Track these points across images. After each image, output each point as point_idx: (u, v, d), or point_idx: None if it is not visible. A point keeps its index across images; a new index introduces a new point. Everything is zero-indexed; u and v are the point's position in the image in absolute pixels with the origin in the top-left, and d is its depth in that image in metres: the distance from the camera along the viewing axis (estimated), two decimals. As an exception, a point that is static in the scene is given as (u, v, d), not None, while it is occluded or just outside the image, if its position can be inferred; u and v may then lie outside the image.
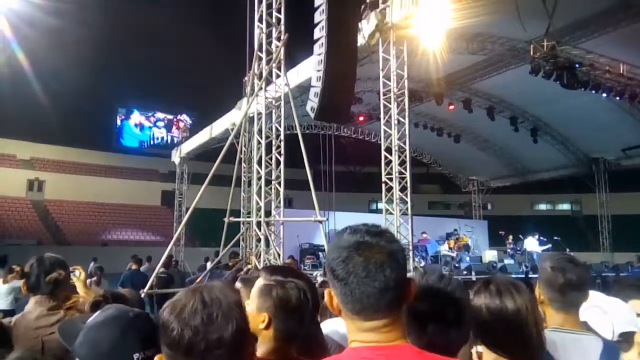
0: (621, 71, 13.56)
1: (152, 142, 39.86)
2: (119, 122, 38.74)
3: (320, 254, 14.91)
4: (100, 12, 30.37)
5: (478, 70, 15.18)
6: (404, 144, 10.62)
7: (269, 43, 9.84)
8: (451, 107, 17.37)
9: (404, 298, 1.11)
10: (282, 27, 9.67)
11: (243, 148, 11.65)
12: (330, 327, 2.11)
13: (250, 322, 1.39)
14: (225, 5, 30.20)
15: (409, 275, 1.18)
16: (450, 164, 25.71)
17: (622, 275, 12.10)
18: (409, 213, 10.53)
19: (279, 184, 9.88)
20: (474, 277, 12.25)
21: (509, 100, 17.87)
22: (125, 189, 33.53)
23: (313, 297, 1.47)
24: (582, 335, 1.70)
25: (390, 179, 10.57)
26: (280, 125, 9.98)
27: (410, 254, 10.57)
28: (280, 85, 9.98)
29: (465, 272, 13.23)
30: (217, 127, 18.48)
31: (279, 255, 9.43)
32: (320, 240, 13.54)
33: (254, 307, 1.45)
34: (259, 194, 9.74)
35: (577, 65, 12.72)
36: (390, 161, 10.60)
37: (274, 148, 9.93)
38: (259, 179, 9.75)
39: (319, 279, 5.90)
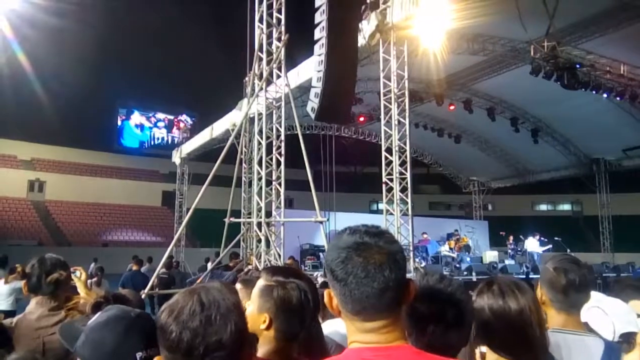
0: (622, 72, 13.54)
1: (152, 143, 39.89)
2: (119, 123, 38.78)
3: (321, 254, 14.90)
4: (101, 12, 30.42)
5: (479, 71, 15.17)
6: (405, 144, 10.62)
7: (270, 43, 9.86)
8: (452, 107, 17.36)
9: (403, 299, 1.11)
10: (283, 28, 9.69)
11: (244, 148, 11.66)
12: (331, 327, 2.11)
13: (251, 322, 1.39)
14: (225, 5, 30.25)
15: (409, 276, 1.18)
16: (450, 164, 25.71)
17: (622, 275, 12.09)
18: (409, 213, 10.53)
19: (280, 184, 9.89)
20: (474, 278, 12.24)
21: (510, 100, 17.87)
22: (126, 190, 33.56)
23: (314, 297, 1.47)
24: (584, 336, 1.70)
25: (391, 180, 10.57)
26: (280, 126, 9.99)
27: (411, 254, 10.57)
28: (280, 86, 9.99)
29: (465, 273, 13.22)
30: (218, 128, 18.48)
31: (279, 255, 9.43)
32: (321, 240, 13.55)
33: (255, 307, 1.45)
34: (259, 195, 9.75)
35: (577, 66, 12.70)
36: (391, 162, 10.60)
37: (274, 148, 9.94)
38: (260, 179, 9.76)
39: (320, 280, 5.90)
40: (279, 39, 9.76)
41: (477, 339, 1.43)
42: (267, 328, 1.41)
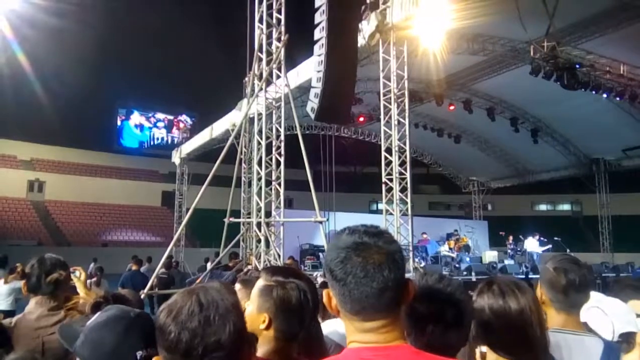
0: (621, 72, 13.55)
1: (152, 143, 39.89)
2: (119, 123, 38.77)
3: (321, 254, 14.90)
4: (100, 12, 30.42)
5: (478, 71, 15.18)
6: (404, 144, 10.62)
7: (269, 44, 9.86)
8: (451, 107, 17.37)
9: (402, 299, 1.11)
10: (282, 28, 9.69)
11: (243, 149, 11.67)
12: (331, 327, 2.11)
13: (250, 322, 1.39)
14: (225, 6, 30.25)
15: (408, 276, 1.18)
16: (450, 164, 25.72)
17: (622, 275, 12.09)
18: (409, 213, 10.54)
19: (279, 184, 9.89)
20: (474, 278, 12.25)
21: (510, 101, 17.88)
22: (126, 190, 33.56)
23: (313, 297, 1.47)
24: (583, 336, 1.70)
25: (391, 180, 10.57)
26: (280, 126, 9.99)
27: (411, 254, 10.58)
28: (280, 86, 9.99)
29: (465, 273, 13.23)
30: (218, 128, 18.49)
31: (279, 255, 9.44)
32: (321, 240, 13.55)
33: (255, 307, 1.45)
34: (259, 195, 9.75)
35: (577, 66, 12.71)
36: (391, 162, 10.60)
37: (274, 149, 9.94)
38: (259, 179, 9.76)
39: (319, 280, 5.89)
40: (278, 39, 9.76)
41: (478, 338, 1.43)
42: (267, 328, 1.41)
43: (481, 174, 25.71)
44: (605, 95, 14.38)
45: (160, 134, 40.45)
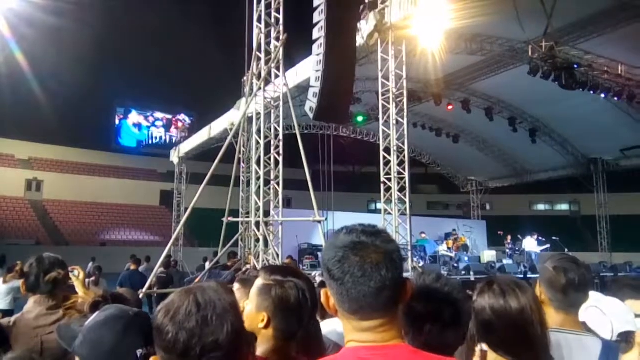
0: (619, 72, 13.57)
1: (150, 142, 39.84)
2: (117, 122, 38.73)
3: (319, 254, 14.89)
4: (99, 12, 30.38)
5: (477, 71, 15.19)
6: (403, 144, 10.63)
7: (268, 43, 9.86)
8: (450, 107, 17.38)
9: (400, 298, 1.11)
10: (281, 27, 9.69)
11: (242, 148, 11.66)
12: (330, 326, 2.12)
13: (249, 321, 1.39)
14: (224, 5, 30.22)
15: (407, 275, 1.18)
16: (448, 164, 25.73)
17: (620, 275, 12.11)
18: (407, 213, 10.54)
19: (278, 184, 9.88)
20: (472, 278, 12.26)
21: (508, 100, 17.89)
22: (124, 189, 33.51)
23: (312, 296, 1.48)
24: (582, 335, 1.71)
25: (389, 179, 10.58)
26: (279, 126, 9.99)
27: (409, 254, 10.58)
28: (279, 86, 9.99)
29: (463, 273, 13.24)
30: (216, 127, 18.48)
31: (277, 255, 9.44)
32: (319, 240, 13.56)
33: (253, 306, 1.46)
34: (257, 194, 9.75)
35: (575, 66, 12.72)
36: (389, 161, 10.61)
37: (272, 148, 9.94)
38: (258, 179, 9.76)
39: (318, 279, 5.90)
40: (277, 39, 9.75)
41: (478, 338, 1.43)
42: (266, 327, 1.42)
43: (479, 173, 25.73)
44: (603, 95, 14.39)
45: (158, 133, 40.41)
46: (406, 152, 10.61)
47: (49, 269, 2.31)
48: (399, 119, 10.71)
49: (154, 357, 1.13)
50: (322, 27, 8.55)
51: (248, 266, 9.56)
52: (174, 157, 23.01)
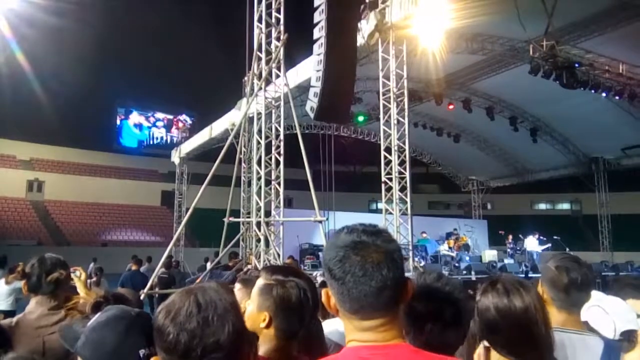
0: (620, 71, 13.56)
1: (151, 142, 39.88)
2: (118, 122, 38.76)
3: (320, 254, 14.88)
4: (100, 12, 30.40)
5: (477, 70, 15.18)
6: (404, 143, 10.63)
7: (269, 43, 9.85)
8: (451, 107, 17.37)
9: (401, 297, 1.11)
10: (282, 27, 9.69)
11: (243, 148, 11.66)
12: (331, 326, 2.12)
13: (251, 321, 1.40)
14: (225, 5, 30.23)
15: (408, 275, 1.18)
16: (449, 163, 25.72)
17: (621, 274, 12.10)
18: (408, 213, 10.54)
19: (279, 184, 9.89)
20: (473, 277, 12.26)
21: (509, 100, 17.88)
22: (125, 189, 33.54)
23: (313, 295, 1.48)
24: (585, 335, 1.71)
25: (390, 179, 10.58)
26: (279, 125, 9.99)
27: (410, 254, 10.58)
28: (279, 85, 9.99)
29: (465, 272, 13.24)
30: (217, 127, 18.48)
31: (278, 255, 9.44)
32: (320, 240, 13.54)
33: (255, 306, 1.46)
34: (258, 194, 9.75)
35: (576, 65, 12.71)
36: (390, 161, 10.61)
37: (273, 148, 9.94)
38: (259, 179, 9.76)
39: (319, 279, 5.90)
40: (278, 39, 9.75)
41: (481, 337, 1.42)
42: (267, 326, 1.42)
43: (480, 173, 25.72)
44: (604, 94, 14.37)
45: (159, 133, 40.44)
46: (407, 152, 10.60)
47: (50, 270, 2.31)
48: (400, 119, 10.71)
49: (154, 357, 1.13)
50: (322, 27, 8.55)
51: (249, 266, 9.56)
52: (175, 158, 23.02)
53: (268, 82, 9.97)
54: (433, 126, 19.76)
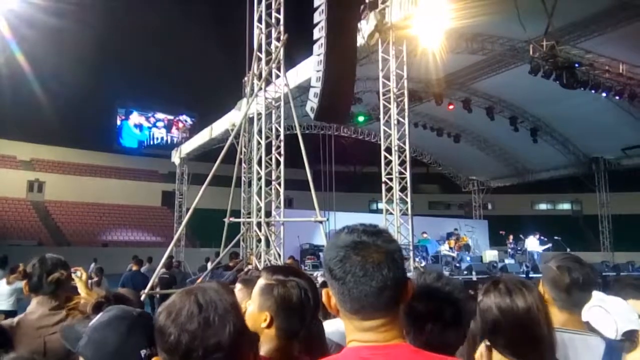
0: (620, 71, 13.56)
1: (151, 143, 39.88)
2: (118, 123, 38.76)
3: (321, 254, 14.88)
4: (100, 12, 30.40)
5: (478, 70, 15.19)
6: (404, 144, 10.63)
7: (269, 43, 9.86)
8: (451, 107, 17.38)
9: (401, 297, 1.11)
10: (282, 28, 9.69)
11: (243, 148, 11.66)
12: (333, 326, 2.12)
13: (252, 321, 1.40)
14: (224, 5, 30.24)
15: (409, 275, 1.18)
16: (450, 164, 25.72)
17: (622, 274, 12.09)
18: (409, 213, 10.54)
19: (279, 184, 9.89)
20: (474, 277, 12.27)
21: (509, 100, 17.88)
22: (126, 190, 33.54)
23: (314, 295, 1.48)
24: (586, 335, 1.70)
25: (390, 179, 10.57)
26: (280, 126, 9.99)
27: (411, 254, 10.58)
28: (279, 86, 9.99)
29: (465, 272, 13.25)
30: (217, 128, 18.49)
31: (279, 255, 9.44)
32: (321, 240, 13.54)
33: (256, 306, 1.46)
34: (259, 195, 9.75)
35: (576, 65, 12.72)
36: (390, 161, 10.61)
37: (273, 148, 9.95)
38: (259, 179, 9.76)
39: (320, 279, 5.90)
40: (278, 39, 9.76)
41: (482, 336, 1.42)
42: (268, 326, 1.42)
43: (481, 173, 25.72)
44: (604, 94, 14.38)
45: (159, 133, 40.45)
46: (407, 152, 10.60)
47: (51, 270, 2.31)
48: (400, 119, 10.71)
49: (155, 357, 1.13)
50: (322, 27, 8.55)
51: (250, 266, 9.55)
52: (175, 158, 23.03)
53: (268, 82, 9.98)
54: (433, 126, 19.77)
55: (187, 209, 17.46)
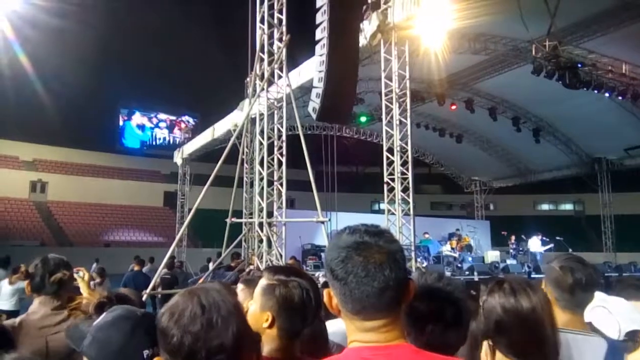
0: (623, 71, 13.52)
1: (154, 143, 39.96)
2: (121, 123, 38.85)
3: (323, 254, 14.88)
4: (102, 13, 30.48)
5: (480, 71, 15.16)
6: (406, 144, 10.61)
7: (271, 44, 9.87)
8: (453, 107, 17.35)
9: (403, 298, 1.11)
10: (284, 28, 9.70)
11: (245, 149, 11.68)
12: (335, 326, 2.12)
13: (254, 321, 1.40)
14: (226, 6, 30.28)
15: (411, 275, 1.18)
16: (452, 164, 25.69)
17: (624, 275, 12.06)
18: (411, 213, 10.52)
19: (281, 184, 9.90)
20: (476, 278, 12.25)
21: (511, 100, 17.85)
22: (128, 190, 33.62)
23: (316, 295, 1.48)
24: (589, 335, 1.70)
25: (392, 180, 10.56)
26: (282, 126, 10.00)
27: (413, 254, 10.57)
28: (282, 86, 10.00)
29: (467, 273, 13.23)
30: (220, 128, 18.50)
31: (281, 255, 9.45)
32: (323, 240, 13.54)
33: (257, 306, 1.47)
34: (261, 195, 9.75)
35: (579, 65, 12.69)
36: (392, 161, 10.59)
37: (275, 149, 9.95)
38: (261, 179, 9.76)
39: (321, 280, 5.90)
40: (280, 40, 9.77)
41: (487, 338, 1.42)
42: (270, 326, 1.42)
43: (483, 173, 25.68)
44: (607, 95, 14.35)
45: (162, 134, 40.52)
46: (409, 152, 10.59)
47: (54, 270, 2.32)
48: (402, 119, 10.69)
49: (157, 357, 1.13)
50: (324, 28, 8.55)
51: (251, 267, 9.57)
52: (178, 158, 23.05)
53: (270, 83, 9.99)
54: (435, 127, 19.74)
55: (189, 210, 17.46)
